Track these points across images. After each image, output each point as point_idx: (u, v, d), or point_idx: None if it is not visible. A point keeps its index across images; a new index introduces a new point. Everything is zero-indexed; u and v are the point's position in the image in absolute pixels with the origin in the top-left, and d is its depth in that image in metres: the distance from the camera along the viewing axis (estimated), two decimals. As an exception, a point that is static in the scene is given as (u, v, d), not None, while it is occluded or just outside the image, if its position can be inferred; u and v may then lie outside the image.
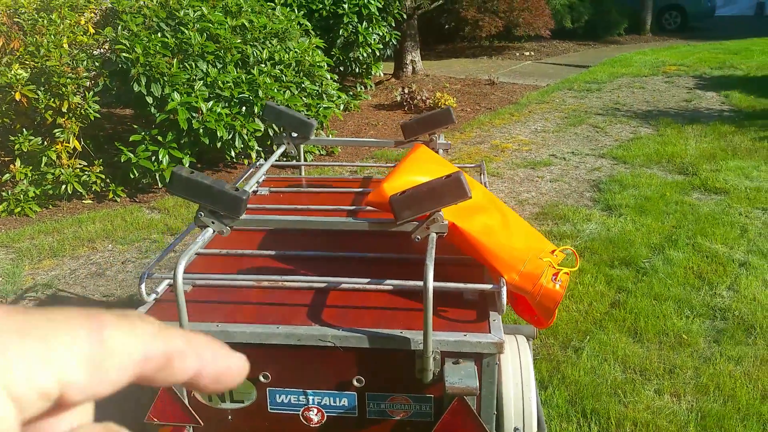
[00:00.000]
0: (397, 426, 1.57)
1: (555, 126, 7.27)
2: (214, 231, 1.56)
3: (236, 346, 0.31)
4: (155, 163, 4.95)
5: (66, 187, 4.87)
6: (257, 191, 2.44)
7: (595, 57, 12.37)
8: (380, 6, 7.62)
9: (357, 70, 7.98)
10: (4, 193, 4.85)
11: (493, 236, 1.65)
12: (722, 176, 5.39)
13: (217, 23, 5.37)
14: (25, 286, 3.80)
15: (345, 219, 1.77)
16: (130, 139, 5.04)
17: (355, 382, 1.54)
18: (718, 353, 2.99)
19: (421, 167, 1.81)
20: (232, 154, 5.31)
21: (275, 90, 5.35)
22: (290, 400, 1.58)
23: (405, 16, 8.82)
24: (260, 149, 5.50)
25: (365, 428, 1.58)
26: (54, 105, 4.75)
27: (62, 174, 4.88)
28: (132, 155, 4.92)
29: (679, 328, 3.19)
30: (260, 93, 5.21)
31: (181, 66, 5.06)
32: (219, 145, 5.11)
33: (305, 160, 3.07)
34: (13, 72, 4.56)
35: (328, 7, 7.34)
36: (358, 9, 7.40)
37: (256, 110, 5.21)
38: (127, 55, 4.86)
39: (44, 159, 4.84)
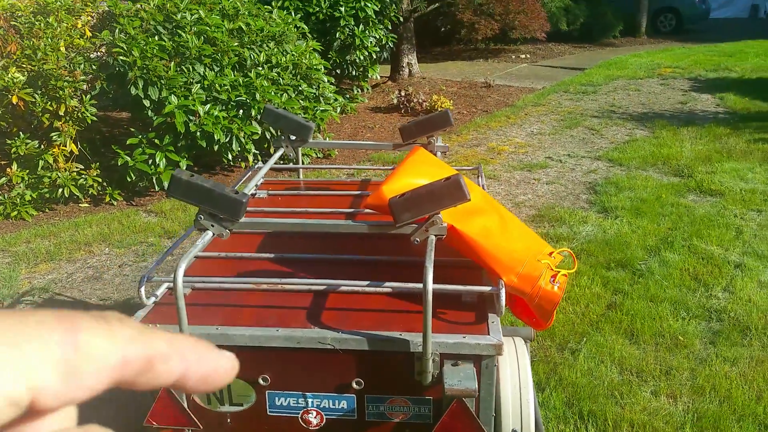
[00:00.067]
0: (396, 428, 1.57)
1: (551, 128, 7.29)
2: (213, 234, 1.56)
3: (236, 349, 0.32)
4: (152, 167, 4.95)
5: (63, 190, 4.87)
6: (255, 194, 2.44)
7: (591, 59, 12.42)
8: (377, 9, 7.64)
9: (354, 72, 7.99)
10: (0, 197, 4.84)
11: (491, 238, 1.66)
12: (717, 178, 5.41)
13: (215, 26, 5.37)
14: (22, 290, 3.80)
15: (344, 222, 1.78)
16: (127, 142, 5.04)
17: (354, 385, 1.55)
18: (714, 354, 3.01)
19: (419, 170, 1.82)
20: (230, 157, 5.31)
21: (272, 93, 5.35)
22: (289, 402, 1.59)
23: (401, 19, 8.84)
24: (257, 152, 5.51)
25: (364, 431, 1.59)
26: (51, 108, 4.75)
27: (59, 177, 4.88)
28: (129, 158, 4.92)
29: (675, 329, 3.21)
30: (257, 96, 5.22)
31: (178, 69, 5.06)
32: (216, 148, 5.11)
33: (302, 163, 3.08)
34: (10, 75, 4.55)
35: (324, 10, 7.36)
36: (354, 12, 7.42)
37: (253, 113, 5.22)
38: (124, 58, 4.86)
39: (41, 162, 4.84)
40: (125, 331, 0.29)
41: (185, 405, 1.55)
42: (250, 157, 5.45)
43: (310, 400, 1.57)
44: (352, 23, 7.42)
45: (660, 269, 3.81)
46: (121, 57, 4.87)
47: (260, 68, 5.52)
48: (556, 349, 3.07)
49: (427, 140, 2.52)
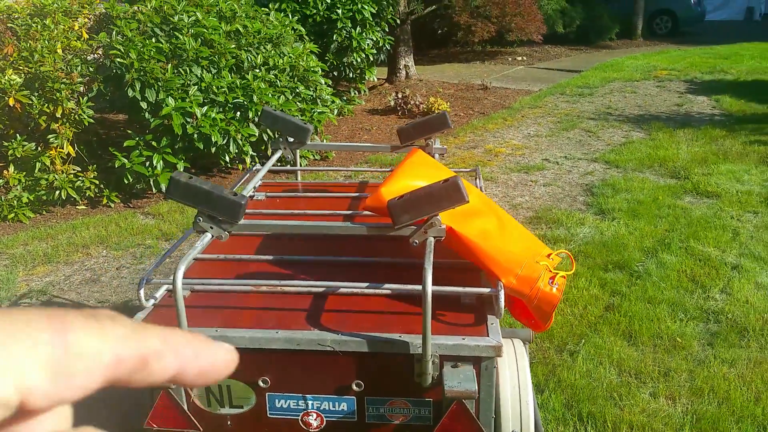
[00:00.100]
0: (396, 430, 1.57)
1: (548, 130, 7.31)
2: (212, 236, 1.56)
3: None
4: (149, 169, 4.94)
5: (60, 192, 4.86)
6: (253, 196, 2.44)
7: (587, 62, 12.45)
8: (374, 11, 7.65)
9: (351, 75, 8.00)
10: (-3, 199, 4.83)
11: (490, 240, 1.66)
12: (714, 180, 5.43)
13: (212, 28, 5.37)
14: (20, 293, 3.79)
15: (343, 224, 1.78)
16: (124, 144, 5.03)
17: (354, 387, 1.54)
18: (712, 356, 3.01)
19: (418, 172, 1.82)
20: (227, 159, 5.31)
21: (270, 95, 5.35)
22: (289, 405, 1.58)
23: (398, 22, 8.85)
24: (254, 154, 5.50)
25: (364, 433, 1.59)
26: (48, 110, 4.74)
27: (56, 180, 4.87)
28: (126, 161, 4.91)
29: (673, 331, 3.21)
30: (255, 98, 5.22)
31: (175, 71, 5.06)
32: (213, 150, 5.11)
33: (300, 165, 3.07)
34: (6, 77, 4.55)
35: (321, 13, 7.37)
36: (351, 14, 7.43)
37: (250, 115, 5.21)
38: (121, 60, 4.86)
39: (38, 164, 4.83)
40: (117, 330, 0.28)
41: (185, 407, 1.55)
42: (248, 159, 5.45)
43: (310, 402, 1.57)
44: (349, 25, 7.43)
45: (657, 271, 3.82)
46: (118, 59, 4.86)
47: (257, 70, 5.52)
48: (554, 350, 3.07)
49: (424, 142, 2.52)
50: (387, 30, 8.23)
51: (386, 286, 1.64)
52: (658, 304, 3.46)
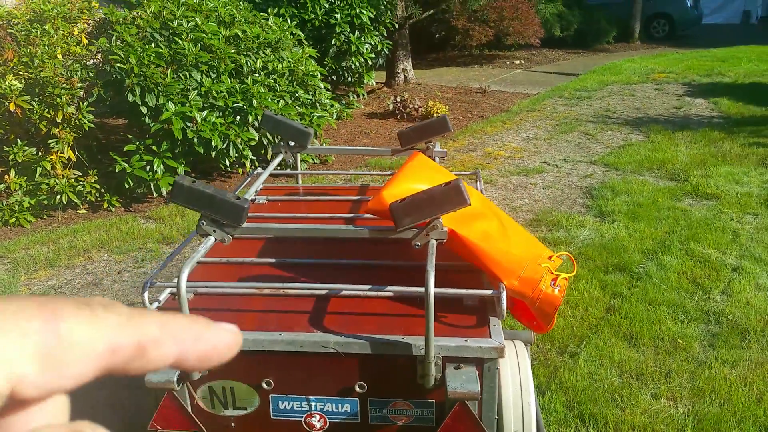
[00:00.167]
0: (399, 431, 1.58)
1: (546, 133, 7.32)
2: (215, 239, 1.57)
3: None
4: (150, 173, 4.95)
5: (61, 197, 4.87)
6: (255, 200, 2.45)
7: (585, 65, 12.48)
8: (372, 16, 7.67)
9: (349, 79, 8.02)
10: (-3, 204, 4.84)
11: (491, 242, 1.67)
12: (713, 182, 5.44)
13: (211, 33, 5.39)
14: (20, 297, 3.78)
15: (346, 226, 1.79)
16: (125, 149, 5.04)
17: (357, 388, 1.55)
18: (713, 357, 3.02)
19: (419, 175, 1.83)
20: (227, 163, 5.32)
21: (269, 99, 5.37)
22: (293, 406, 1.59)
23: (396, 26, 8.87)
24: (254, 158, 5.51)
25: (367, 434, 1.59)
26: (48, 115, 4.75)
27: (57, 184, 4.87)
28: (126, 165, 4.92)
29: (674, 332, 3.22)
30: (254, 102, 5.23)
31: (175, 76, 5.07)
32: (213, 154, 5.12)
33: (300, 168, 3.07)
34: (7, 83, 4.56)
35: (320, 17, 7.39)
36: (350, 19, 7.45)
37: (250, 119, 5.23)
38: (121, 65, 4.87)
39: (39, 169, 4.84)
40: (111, 318, 0.28)
41: (189, 409, 1.55)
42: (248, 163, 5.46)
43: (313, 404, 1.58)
44: (348, 30, 7.45)
45: (658, 273, 3.83)
46: (117, 64, 4.88)
47: (257, 75, 5.54)
48: (555, 352, 3.08)
49: (425, 145, 2.53)
50: (385, 34, 8.25)
51: (389, 288, 1.65)
52: (659, 306, 3.47)
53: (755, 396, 2.74)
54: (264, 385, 1.56)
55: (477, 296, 1.66)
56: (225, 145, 5.12)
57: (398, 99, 8.09)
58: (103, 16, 5.56)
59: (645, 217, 4.71)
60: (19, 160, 4.79)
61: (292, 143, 2.53)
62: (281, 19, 6.64)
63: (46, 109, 4.74)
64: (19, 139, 4.86)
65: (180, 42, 5.17)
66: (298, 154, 2.57)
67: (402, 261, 1.92)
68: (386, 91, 9.39)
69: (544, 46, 13.70)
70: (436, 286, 1.41)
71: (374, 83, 8.81)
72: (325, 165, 6.28)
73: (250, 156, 5.39)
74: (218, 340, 0.31)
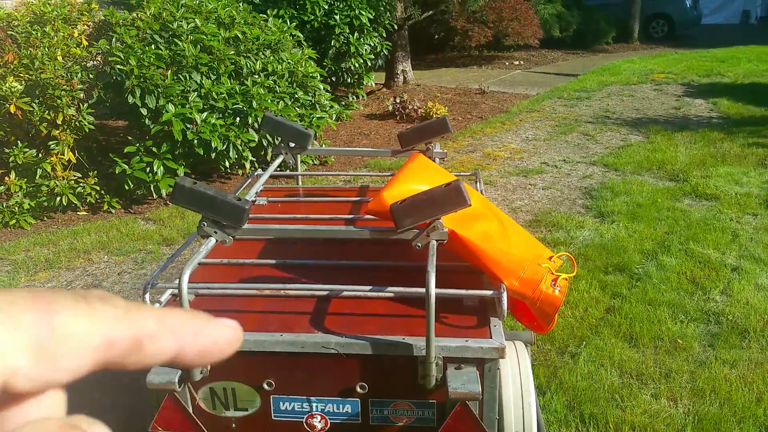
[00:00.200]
0: (400, 432, 1.58)
1: (546, 134, 7.33)
2: (216, 240, 1.58)
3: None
4: (150, 175, 4.95)
5: (61, 198, 4.87)
6: (255, 201, 2.45)
7: (584, 66, 12.49)
8: (371, 17, 7.68)
9: (349, 80, 8.03)
10: (-2, 206, 4.84)
11: (492, 243, 1.67)
12: (713, 182, 5.45)
13: (211, 35, 5.39)
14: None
15: (347, 227, 1.79)
16: (125, 150, 5.04)
17: (358, 389, 1.55)
18: (713, 357, 3.02)
19: (420, 176, 1.83)
20: (227, 164, 5.32)
21: (269, 101, 5.37)
22: (294, 407, 1.59)
23: (396, 27, 8.88)
24: (254, 159, 5.52)
25: (369, 435, 1.60)
26: (48, 117, 4.76)
27: (57, 186, 4.88)
28: (126, 167, 4.92)
29: (673, 332, 3.22)
30: (254, 104, 5.24)
31: (175, 77, 5.08)
32: (213, 155, 5.13)
33: (300, 170, 3.07)
34: (7, 85, 4.56)
35: (319, 19, 7.39)
36: (349, 20, 7.46)
37: (250, 121, 5.23)
38: (121, 67, 4.88)
39: (39, 171, 4.84)
40: (108, 311, 0.27)
41: (190, 410, 1.55)
42: (247, 165, 5.46)
43: (314, 405, 1.58)
44: (347, 31, 7.45)
45: (657, 273, 3.84)
46: (117, 66, 4.88)
47: (256, 76, 5.54)
48: (555, 353, 3.08)
49: (425, 146, 2.53)
50: (384, 35, 8.26)
51: (389, 289, 1.65)
52: (659, 306, 3.47)
53: (755, 396, 2.75)
54: (265, 386, 1.57)
55: (477, 297, 1.66)
56: (225, 146, 5.13)
57: (397, 100, 8.10)
58: (102, 17, 5.57)
59: (644, 217, 4.72)
60: (20, 162, 4.80)
61: (292, 144, 2.53)
62: (281, 20, 6.65)
63: (47, 111, 4.74)
64: (19, 141, 4.86)
65: (180, 43, 5.18)
66: (299, 156, 2.58)
67: (402, 262, 1.92)
68: (385, 92, 9.40)
69: (543, 46, 13.72)
70: (436, 287, 1.41)
71: (373, 84, 8.82)
72: (324, 166, 6.28)
73: (250, 157, 5.40)
74: (218, 336, 0.31)
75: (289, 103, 5.61)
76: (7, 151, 4.82)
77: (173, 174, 5.03)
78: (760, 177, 5.58)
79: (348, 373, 1.55)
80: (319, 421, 1.59)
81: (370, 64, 8.03)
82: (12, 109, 4.57)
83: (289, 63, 5.86)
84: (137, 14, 5.40)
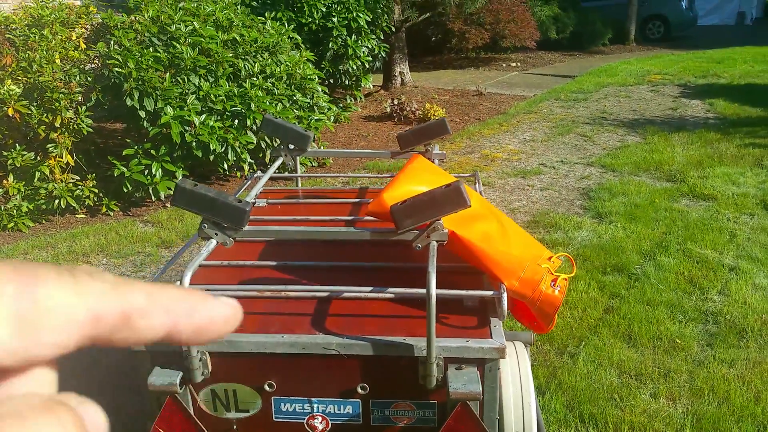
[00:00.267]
0: (401, 432, 1.59)
1: (543, 135, 7.35)
2: (217, 242, 1.58)
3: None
4: (148, 177, 4.95)
5: (59, 201, 4.87)
6: (255, 203, 2.46)
7: (581, 67, 12.52)
8: (369, 19, 7.69)
9: (347, 82, 8.04)
10: (-4, 209, 4.84)
11: (492, 243, 1.68)
12: (710, 183, 5.47)
13: (209, 37, 5.40)
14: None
15: (347, 229, 1.80)
16: (123, 153, 5.04)
17: (359, 390, 1.56)
18: (711, 357, 3.04)
19: (419, 177, 1.84)
20: (225, 166, 5.33)
21: (267, 103, 5.38)
22: (295, 408, 1.60)
23: (393, 29, 8.89)
24: (252, 161, 5.52)
25: (370, 435, 1.60)
26: (47, 120, 4.76)
27: (55, 189, 4.87)
28: (125, 169, 4.92)
29: (672, 332, 3.23)
30: (252, 106, 5.24)
31: (173, 80, 5.08)
32: (212, 158, 5.13)
33: (299, 171, 3.08)
34: (5, 87, 4.56)
35: (317, 21, 7.40)
36: (347, 22, 7.47)
37: (248, 123, 5.24)
38: (119, 69, 4.88)
39: (37, 174, 4.84)
40: (95, 285, 0.27)
41: (191, 412, 1.56)
42: (246, 167, 5.47)
43: (315, 406, 1.59)
44: (345, 33, 7.47)
45: (655, 273, 3.85)
46: (116, 69, 4.88)
47: (255, 79, 5.55)
48: (555, 353, 3.09)
49: (424, 148, 2.54)
50: (382, 37, 8.27)
51: (390, 289, 1.66)
52: (657, 306, 3.48)
53: (753, 395, 2.76)
54: (266, 388, 1.57)
55: (478, 297, 1.67)
56: (223, 148, 5.13)
57: (395, 102, 8.11)
58: (100, 20, 5.57)
59: (642, 218, 4.73)
60: (18, 165, 4.79)
61: (291, 146, 2.54)
62: (279, 23, 6.65)
63: (45, 114, 4.74)
64: (17, 144, 4.86)
65: (178, 46, 5.18)
66: (298, 158, 2.58)
67: (403, 263, 1.93)
68: (383, 94, 9.41)
69: (539, 48, 13.75)
70: (437, 288, 1.42)
71: (371, 86, 8.83)
72: (323, 168, 6.29)
73: (249, 159, 5.40)
74: (215, 313, 0.30)
75: (288, 105, 5.61)
76: (5, 154, 4.82)
77: (172, 176, 5.03)
78: (756, 177, 5.60)
79: (349, 373, 1.55)
80: (320, 422, 1.60)
81: (367, 66, 8.04)
82: (10, 112, 4.56)
83: (287, 65, 5.86)
84: (135, 17, 5.40)
